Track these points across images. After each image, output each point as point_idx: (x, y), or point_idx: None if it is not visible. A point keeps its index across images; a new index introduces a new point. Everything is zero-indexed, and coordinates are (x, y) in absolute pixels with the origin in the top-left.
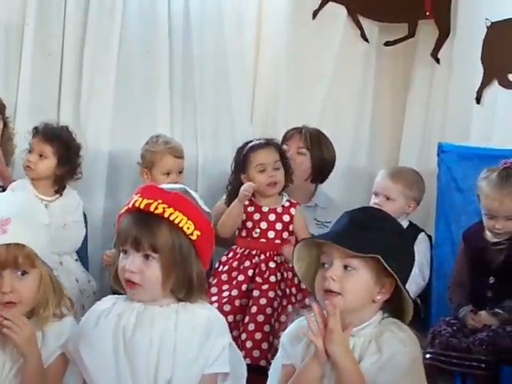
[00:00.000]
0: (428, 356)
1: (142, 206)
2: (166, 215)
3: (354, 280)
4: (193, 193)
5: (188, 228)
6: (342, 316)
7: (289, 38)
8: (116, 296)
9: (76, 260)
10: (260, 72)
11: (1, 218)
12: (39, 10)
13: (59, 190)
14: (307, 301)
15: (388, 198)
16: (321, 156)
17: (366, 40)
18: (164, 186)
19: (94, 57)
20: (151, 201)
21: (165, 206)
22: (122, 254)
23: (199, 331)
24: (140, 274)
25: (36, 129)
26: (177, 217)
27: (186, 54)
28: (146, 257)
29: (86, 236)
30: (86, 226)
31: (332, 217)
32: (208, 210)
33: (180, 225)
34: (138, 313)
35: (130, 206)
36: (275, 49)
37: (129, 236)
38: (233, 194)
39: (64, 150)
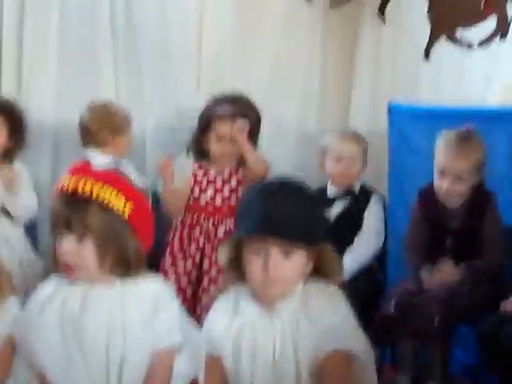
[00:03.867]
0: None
1: (71, 186)
2: (94, 193)
3: (294, 264)
4: (128, 168)
5: (118, 205)
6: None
7: (233, 3)
8: (58, 277)
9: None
10: (204, 38)
11: None
12: None
13: (9, 162)
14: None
15: (353, 161)
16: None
17: (310, 1)
18: (99, 163)
19: (35, 25)
20: (80, 180)
21: (93, 183)
22: (57, 238)
23: (146, 307)
24: (75, 255)
25: None
26: (106, 193)
27: (127, 20)
28: (80, 237)
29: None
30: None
31: None
32: (143, 187)
33: (110, 202)
34: (82, 295)
35: (60, 187)
36: (219, 14)
37: (60, 218)
38: (197, 151)
39: (14, 122)
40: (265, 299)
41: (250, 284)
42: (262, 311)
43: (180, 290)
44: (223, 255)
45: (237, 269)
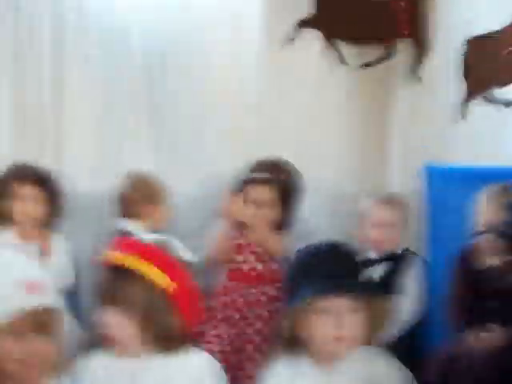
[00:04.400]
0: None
1: (115, 261)
2: (138, 269)
3: (361, 322)
4: (174, 242)
5: (162, 282)
6: None
7: (265, 65)
8: (106, 351)
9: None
10: (237, 102)
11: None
12: (14, 48)
13: (48, 232)
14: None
15: (392, 227)
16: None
17: (345, 63)
18: (145, 237)
19: (74, 99)
20: (125, 255)
21: (138, 259)
22: (102, 310)
23: (191, 381)
24: (118, 329)
25: (14, 174)
26: (149, 270)
27: (162, 88)
28: (122, 312)
29: (78, 284)
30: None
31: None
32: (191, 260)
33: (153, 279)
34: (131, 372)
35: (106, 260)
36: (251, 77)
37: (105, 292)
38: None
39: (51, 191)
40: (328, 360)
41: (316, 346)
42: (323, 374)
43: (223, 358)
44: (287, 322)
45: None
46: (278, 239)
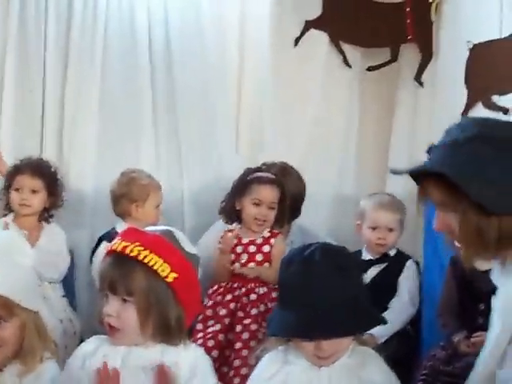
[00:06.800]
0: (420, 378)
1: (118, 249)
2: (140, 258)
3: (347, 342)
4: (179, 234)
5: (163, 271)
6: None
7: (271, 67)
8: (100, 337)
9: (62, 296)
10: (243, 102)
11: None
12: (19, 46)
13: (46, 222)
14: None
15: (390, 230)
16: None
17: (349, 66)
18: (149, 228)
19: (76, 94)
20: (128, 243)
21: (140, 248)
22: (103, 299)
23: (183, 373)
24: (117, 318)
25: (17, 166)
26: (151, 259)
27: (167, 86)
28: (124, 300)
29: (73, 274)
30: (73, 263)
31: None
32: (193, 253)
33: (155, 267)
34: (123, 356)
35: (109, 248)
36: (258, 78)
37: (106, 279)
38: (228, 211)
39: (52, 182)
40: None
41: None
42: (311, 365)
43: (212, 354)
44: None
45: None
46: (280, 242)
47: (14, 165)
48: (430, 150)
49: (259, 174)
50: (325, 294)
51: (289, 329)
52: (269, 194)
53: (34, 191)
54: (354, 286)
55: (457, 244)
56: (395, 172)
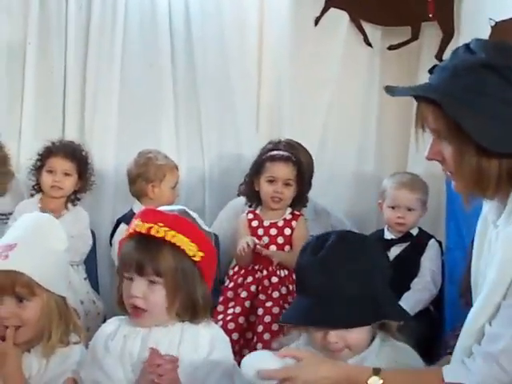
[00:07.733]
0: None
1: (143, 231)
2: (167, 238)
3: (358, 335)
4: (192, 213)
5: (190, 250)
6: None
7: (291, 46)
8: (120, 318)
9: (85, 279)
10: (263, 81)
11: (8, 243)
12: (40, 28)
13: (72, 204)
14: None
15: (409, 209)
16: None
17: (370, 45)
18: (163, 207)
19: (97, 74)
20: (152, 224)
21: (166, 228)
22: (125, 281)
23: (201, 350)
24: (145, 299)
25: (50, 148)
26: (179, 239)
27: (188, 66)
28: (151, 282)
29: (96, 255)
30: (95, 244)
31: (321, 227)
32: (208, 230)
33: (182, 247)
34: (142, 337)
35: (131, 230)
36: (278, 57)
37: (132, 261)
38: (248, 193)
39: (83, 166)
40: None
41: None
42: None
43: (232, 337)
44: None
45: None
46: (301, 225)
47: (46, 146)
48: (432, 70)
49: (273, 152)
50: (329, 281)
51: (294, 316)
52: (282, 170)
53: (66, 174)
54: (365, 276)
55: (449, 174)
56: (389, 90)
